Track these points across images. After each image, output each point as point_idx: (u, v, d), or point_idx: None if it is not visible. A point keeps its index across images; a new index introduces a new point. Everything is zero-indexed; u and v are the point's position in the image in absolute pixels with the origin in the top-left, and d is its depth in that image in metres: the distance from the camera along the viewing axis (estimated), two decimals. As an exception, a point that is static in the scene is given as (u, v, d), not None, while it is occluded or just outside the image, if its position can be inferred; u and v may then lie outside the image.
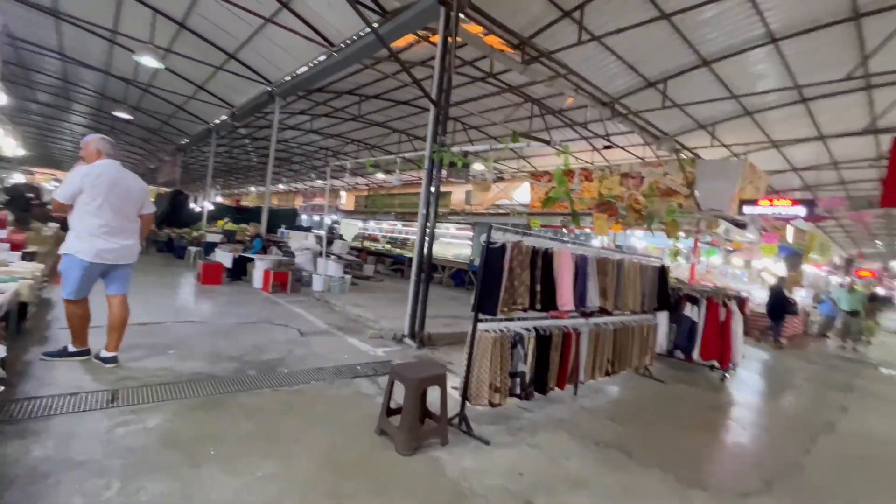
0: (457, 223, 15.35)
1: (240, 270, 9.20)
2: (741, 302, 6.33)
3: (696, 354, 5.87)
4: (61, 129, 21.15)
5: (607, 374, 4.42)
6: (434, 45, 6.78)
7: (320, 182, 24.72)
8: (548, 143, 7.05)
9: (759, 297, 10.05)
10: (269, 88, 9.91)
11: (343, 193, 27.39)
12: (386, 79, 9.76)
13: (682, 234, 6.12)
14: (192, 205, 15.56)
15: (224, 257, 9.54)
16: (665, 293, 5.19)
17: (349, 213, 24.53)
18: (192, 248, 11.25)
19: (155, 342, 4.31)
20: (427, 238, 5.50)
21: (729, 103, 8.96)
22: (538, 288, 3.41)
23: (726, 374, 5.80)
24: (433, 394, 2.95)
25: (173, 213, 15.64)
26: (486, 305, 3.17)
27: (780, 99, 8.61)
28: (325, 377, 3.92)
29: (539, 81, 7.77)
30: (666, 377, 5.42)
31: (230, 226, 12.45)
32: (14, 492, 1.93)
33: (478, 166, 5.94)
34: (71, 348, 3.62)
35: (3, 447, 2.25)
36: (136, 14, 8.41)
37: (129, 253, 3.74)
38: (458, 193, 18.87)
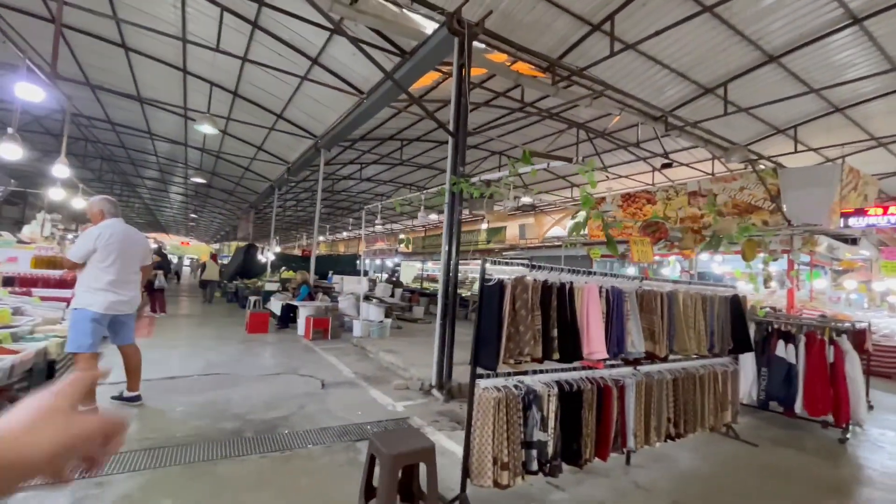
0: (508, 260, 14.69)
1: (288, 318, 9.34)
2: (858, 336, 4.96)
3: (798, 406, 4.61)
4: (161, 198, 24.34)
5: (670, 437, 3.49)
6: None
7: (379, 227, 25.51)
8: (569, 160, 6.37)
9: (885, 327, 8.05)
10: (314, 141, 10.42)
11: (403, 237, 27.98)
12: (422, 120, 9.82)
13: (761, 254, 5.02)
14: (259, 256, 16.63)
15: (275, 305, 9.79)
16: (743, 330, 4.15)
17: (408, 256, 24.89)
18: (252, 298, 11.79)
19: (169, 398, 4.23)
20: (451, 276, 5.05)
21: (810, 100, 7.67)
22: (554, 333, 2.77)
23: (847, 435, 4.43)
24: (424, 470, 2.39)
25: (245, 265, 16.88)
26: (482, 358, 2.60)
27: (879, 87, 7.18)
28: (326, 440, 3.50)
29: (575, 102, 7.25)
30: (759, 438, 4.25)
31: (287, 274, 12.97)
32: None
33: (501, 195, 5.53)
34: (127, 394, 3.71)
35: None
36: (197, 89, 9.40)
37: (134, 303, 3.94)
38: (512, 228, 18.30)
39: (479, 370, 2.59)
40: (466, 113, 5.18)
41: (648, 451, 3.52)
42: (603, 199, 11.25)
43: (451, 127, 5.25)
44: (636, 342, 3.19)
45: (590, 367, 3.13)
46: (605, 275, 3.22)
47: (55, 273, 6.29)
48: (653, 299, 3.35)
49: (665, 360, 3.46)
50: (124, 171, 18.16)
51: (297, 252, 28.88)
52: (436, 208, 17.22)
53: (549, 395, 2.74)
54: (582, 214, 3.61)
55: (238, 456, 3.12)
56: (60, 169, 7.21)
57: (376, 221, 13.89)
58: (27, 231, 8.60)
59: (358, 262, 20.66)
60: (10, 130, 6.37)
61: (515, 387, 2.65)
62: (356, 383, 5.32)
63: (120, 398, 3.98)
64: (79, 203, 10.65)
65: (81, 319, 3.59)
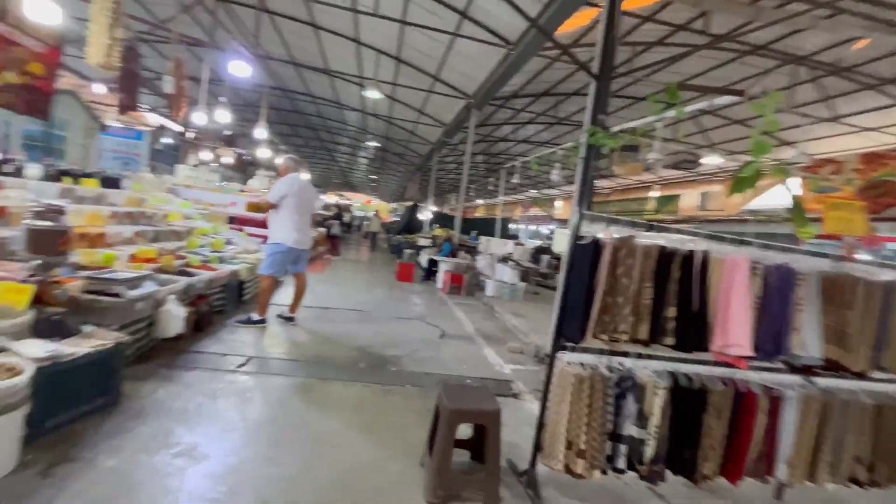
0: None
1: (431, 272, 10.02)
2: None
3: None
4: (351, 161, 28.51)
5: (855, 481, 2.50)
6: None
7: (534, 192, 24.85)
8: (739, 93, 4.73)
9: None
10: (466, 102, 10.48)
11: (559, 203, 26.72)
12: (578, 71, 8.83)
13: None
14: (418, 215, 18.16)
15: (423, 259, 10.59)
16: None
17: (564, 223, 23.73)
18: (407, 251, 13.03)
19: (316, 324, 5.00)
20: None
21: None
22: (670, 313, 2.18)
23: None
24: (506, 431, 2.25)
25: (409, 222, 18.74)
26: (566, 328, 2.23)
27: None
28: (425, 384, 3.64)
29: (796, 27, 5.41)
30: None
31: (437, 231, 13.83)
32: (113, 421, 2.43)
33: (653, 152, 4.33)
34: (255, 317, 4.57)
35: (149, 384, 2.92)
36: (368, 58, 10.37)
37: (309, 241, 4.85)
38: (689, 198, 15.51)
39: (565, 342, 2.25)
40: (613, 48, 4.37)
41: (815, 491, 2.60)
42: (832, 162, 8.35)
43: (594, 67, 4.53)
44: (809, 343, 2.31)
45: (727, 365, 2.42)
46: (770, 247, 2.36)
47: (260, 215, 8.01)
48: (850, 289, 2.34)
49: (861, 376, 2.43)
50: (321, 138, 21.73)
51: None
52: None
53: (655, 387, 2.22)
54: (753, 168, 2.70)
55: (348, 381, 3.50)
56: (260, 132, 9.02)
57: (517, 182, 13.48)
58: (250, 183, 11.14)
59: (504, 225, 20.79)
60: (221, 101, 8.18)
61: (609, 368, 2.23)
62: (473, 339, 5.39)
63: (282, 317, 4.90)
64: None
65: (277, 251, 4.54)
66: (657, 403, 2.21)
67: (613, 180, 19.39)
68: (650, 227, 2.27)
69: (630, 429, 2.19)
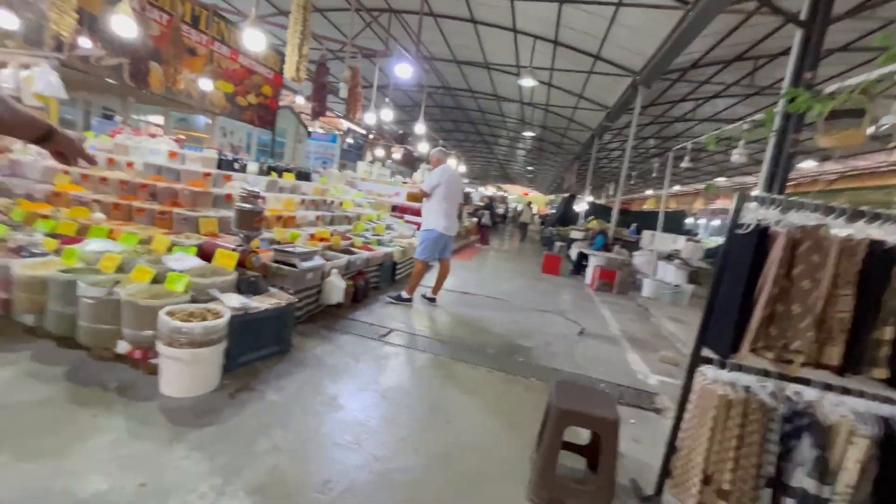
0: None
1: (581, 266, 9.43)
2: None
3: None
4: (508, 153, 28.82)
5: None
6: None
7: (721, 179, 20.93)
8: None
9: None
10: (632, 79, 9.40)
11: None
12: (786, 25, 6.97)
13: None
14: (575, 206, 17.24)
15: (574, 252, 10.07)
16: None
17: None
18: (558, 243, 12.54)
19: (453, 308, 5.25)
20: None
21: None
22: (886, 335, 1.54)
23: None
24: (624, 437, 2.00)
25: (564, 214, 18.02)
26: (713, 336, 1.80)
27: None
28: (550, 380, 3.45)
29: None
30: None
31: (591, 223, 12.89)
32: (282, 366, 3.00)
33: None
34: (404, 296, 5.05)
35: (311, 341, 3.52)
36: (525, 45, 10.22)
37: (456, 228, 5.18)
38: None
39: (707, 352, 1.83)
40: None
41: None
42: None
43: (802, 13, 3.50)
44: None
45: None
46: None
47: (416, 204, 8.78)
48: None
49: None
50: (480, 132, 22.45)
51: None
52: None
53: (851, 433, 1.63)
54: None
55: (474, 364, 3.57)
56: (419, 128, 9.76)
57: (690, 167, 11.48)
58: (414, 176, 12.28)
59: (679, 218, 17.99)
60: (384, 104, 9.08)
61: (774, 395, 1.73)
62: (617, 341, 4.87)
63: (425, 297, 5.29)
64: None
65: (430, 237, 4.97)
66: (853, 456, 1.63)
67: (844, 162, 14.93)
68: (862, 216, 1.65)
69: (805, 481, 1.67)
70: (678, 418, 1.90)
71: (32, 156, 4.19)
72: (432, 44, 11.51)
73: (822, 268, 1.58)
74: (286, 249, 3.66)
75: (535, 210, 28.40)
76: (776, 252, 1.63)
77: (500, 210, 21.49)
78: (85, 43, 5.38)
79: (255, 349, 2.93)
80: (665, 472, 1.94)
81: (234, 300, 2.78)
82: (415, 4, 8.95)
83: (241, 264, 3.21)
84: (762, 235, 1.68)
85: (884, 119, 2.70)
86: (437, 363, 3.50)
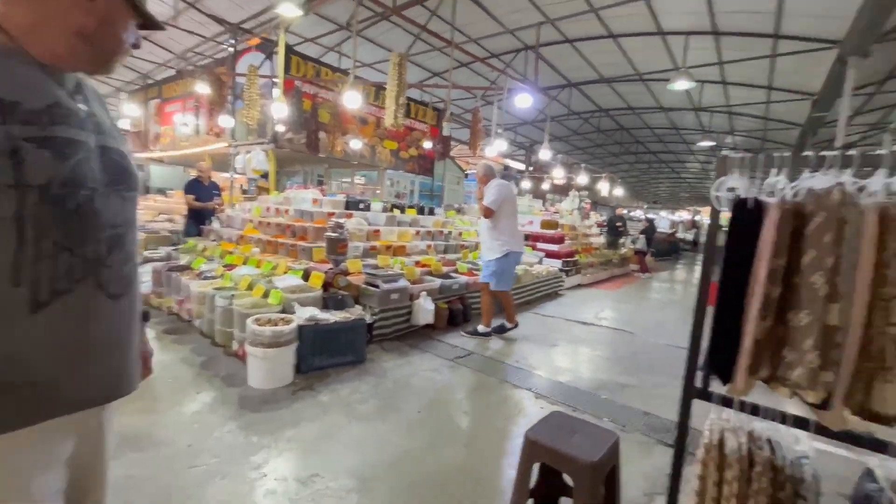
0: None
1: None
2: None
3: None
4: (675, 172, 24.90)
5: None
6: None
7: None
8: None
9: None
10: (839, 50, 7.13)
11: None
12: None
13: None
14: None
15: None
16: None
17: None
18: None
19: (557, 338, 4.82)
20: None
21: None
22: None
23: None
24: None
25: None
26: (716, 358, 1.26)
27: None
28: (633, 427, 2.84)
29: None
30: None
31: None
32: (350, 373, 3.36)
33: None
34: (481, 330, 4.48)
35: (388, 355, 3.81)
36: (678, 45, 9.01)
37: (523, 245, 4.80)
38: None
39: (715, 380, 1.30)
40: None
41: None
42: None
43: None
44: None
45: None
46: None
47: (550, 231, 8.48)
48: None
49: None
50: (651, 150, 20.12)
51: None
52: None
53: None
54: None
55: (528, 390, 3.24)
56: (544, 153, 9.47)
57: None
58: (563, 204, 11.89)
59: None
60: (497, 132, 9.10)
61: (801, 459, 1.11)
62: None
63: (504, 327, 4.61)
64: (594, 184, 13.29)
65: (504, 262, 4.39)
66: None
67: None
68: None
69: None
70: (675, 465, 1.38)
71: (235, 211, 5.96)
72: (575, 69, 11.27)
73: (829, 248, 0.99)
74: (372, 272, 4.14)
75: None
76: (767, 233, 1.10)
77: (672, 231, 18.24)
78: (279, 127, 7.40)
79: (328, 356, 3.38)
80: (665, 550, 1.41)
81: (307, 312, 3.32)
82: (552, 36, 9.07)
83: (330, 284, 3.80)
84: (758, 212, 1.16)
85: None
86: (485, 384, 3.32)
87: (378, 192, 12.06)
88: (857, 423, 1.06)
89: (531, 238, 8.50)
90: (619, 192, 16.97)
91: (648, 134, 17.73)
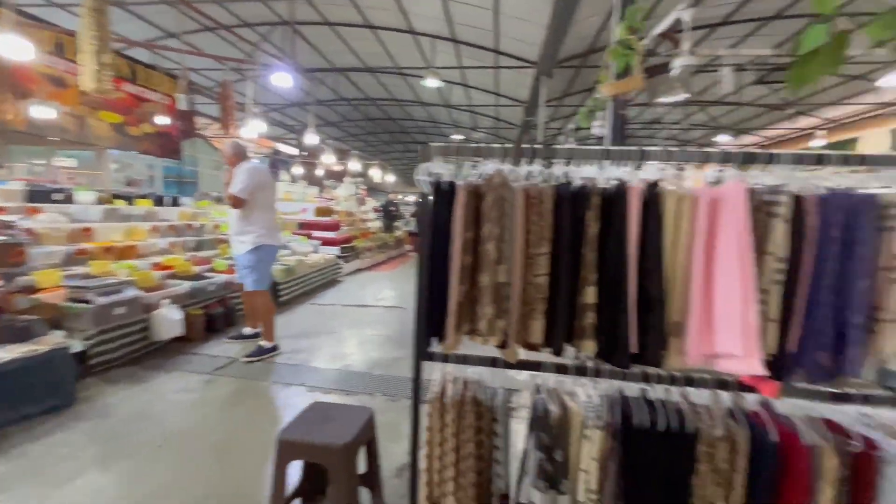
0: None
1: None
2: None
3: None
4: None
5: None
6: None
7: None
8: None
9: None
10: (534, 71, 9.37)
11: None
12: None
13: None
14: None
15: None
16: None
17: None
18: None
19: (334, 326, 4.81)
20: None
21: None
22: (589, 298, 1.24)
23: None
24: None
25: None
26: (432, 321, 1.46)
27: None
28: (402, 395, 3.07)
29: None
30: None
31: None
32: (51, 424, 2.50)
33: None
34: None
35: (113, 388, 3.01)
36: (427, 46, 10.03)
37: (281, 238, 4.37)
38: (874, 139, 11.40)
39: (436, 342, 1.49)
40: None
41: None
42: None
43: None
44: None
45: (750, 389, 1.34)
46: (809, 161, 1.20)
47: (326, 219, 8.34)
48: None
49: None
50: (417, 141, 22.22)
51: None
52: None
53: (582, 425, 1.32)
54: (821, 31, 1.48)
55: (285, 384, 3.15)
56: (311, 136, 9.39)
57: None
58: (339, 190, 11.83)
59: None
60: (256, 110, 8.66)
61: (489, 390, 1.40)
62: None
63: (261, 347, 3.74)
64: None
65: (259, 257, 3.64)
66: (588, 453, 1.31)
67: (761, 133, 15.55)
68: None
69: (532, 493, 1.33)
70: (414, 431, 1.54)
71: None
72: (338, 53, 11.20)
73: (499, 221, 1.27)
74: (80, 285, 3.15)
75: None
76: (458, 211, 1.31)
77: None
78: None
79: (7, 409, 2.40)
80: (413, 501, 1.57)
81: (-47, 354, 2.26)
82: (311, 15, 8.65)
83: (1, 309, 2.69)
84: (452, 193, 1.36)
85: (675, 62, 2.52)
86: (251, 390, 3.06)
87: (102, 178, 9.26)
88: (524, 354, 1.39)
89: (306, 227, 8.17)
90: (391, 178, 18.07)
91: (413, 125, 19.42)
